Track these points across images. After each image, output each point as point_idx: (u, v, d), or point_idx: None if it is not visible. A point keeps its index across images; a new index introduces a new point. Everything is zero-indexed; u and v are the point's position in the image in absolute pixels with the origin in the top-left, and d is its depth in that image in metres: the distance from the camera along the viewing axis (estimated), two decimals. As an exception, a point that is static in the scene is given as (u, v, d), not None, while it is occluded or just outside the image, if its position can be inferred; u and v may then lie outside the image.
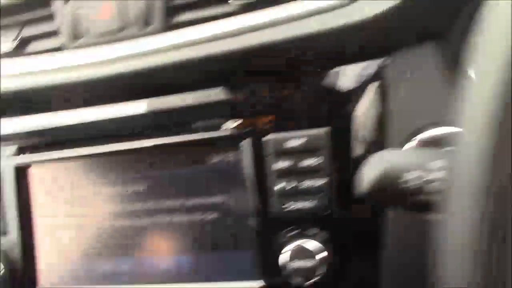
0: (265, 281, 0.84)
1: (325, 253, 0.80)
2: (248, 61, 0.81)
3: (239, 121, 0.85)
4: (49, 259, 0.98)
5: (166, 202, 0.90)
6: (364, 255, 0.81)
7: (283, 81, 0.85)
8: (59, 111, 0.97)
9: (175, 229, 0.90)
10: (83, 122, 0.95)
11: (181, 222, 0.89)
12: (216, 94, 0.87)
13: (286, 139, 0.81)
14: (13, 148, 0.99)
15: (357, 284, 0.83)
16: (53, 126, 0.97)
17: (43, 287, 0.99)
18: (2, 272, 0.96)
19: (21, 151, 0.99)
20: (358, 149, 0.81)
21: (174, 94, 0.90)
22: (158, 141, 0.90)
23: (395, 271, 0.80)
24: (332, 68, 0.83)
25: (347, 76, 0.82)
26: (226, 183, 0.87)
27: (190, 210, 0.89)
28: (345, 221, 0.81)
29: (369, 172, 0.65)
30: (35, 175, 0.99)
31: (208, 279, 0.88)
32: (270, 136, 0.82)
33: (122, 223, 0.93)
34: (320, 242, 0.80)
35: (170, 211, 0.90)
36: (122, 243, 0.93)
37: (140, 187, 0.92)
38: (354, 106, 0.81)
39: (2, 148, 1.00)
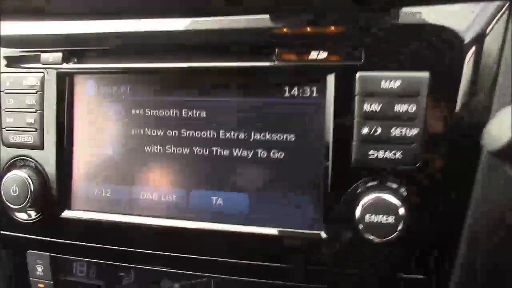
0: (327, 233, 0.76)
1: (403, 210, 0.70)
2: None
3: (326, 53, 0.74)
4: (85, 181, 0.88)
5: (227, 133, 0.80)
6: (447, 218, 0.72)
7: (384, 14, 0.73)
8: (113, 19, 0.85)
9: (234, 164, 0.81)
10: (139, 31, 0.84)
11: (242, 157, 0.80)
12: (304, 20, 0.76)
13: (382, 79, 0.71)
14: (58, 54, 0.86)
15: (431, 249, 0.74)
16: (106, 32, 0.85)
17: (76, 209, 0.88)
18: (33, 188, 0.86)
19: (66, 58, 0.86)
20: (460, 100, 0.71)
21: (253, 14, 0.78)
22: (227, 63, 0.79)
23: (479, 242, 0.71)
24: (442, 4, 0.71)
25: (458, 16, 0.71)
26: (302, 119, 0.77)
27: (254, 145, 0.79)
28: (432, 178, 0.72)
29: (504, 128, 0.56)
30: (79, 85, 0.88)
31: (264, 223, 0.80)
32: (364, 73, 0.72)
33: (171, 151, 0.83)
34: (401, 197, 0.71)
35: (231, 143, 0.81)
36: (169, 172, 0.84)
37: (199, 113, 0.82)
38: (462, 52, 0.70)
39: (45, 54, 0.88)
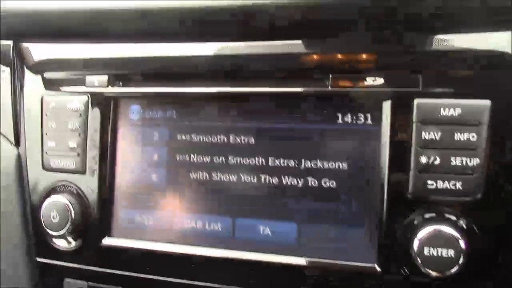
0: (381, 266, 0.72)
1: (464, 243, 0.66)
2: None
3: (382, 79, 0.72)
4: (127, 207, 0.86)
5: (276, 161, 0.78)
6: (509, 251, 0.69)
7: (442, 40, 0.71)
8: (160, 42, 0.84)
9: (282, 193, 0.78)
10: (187, 55, 0.83)
11: (291, 185, 0.77)
12: (359, 46, 0.74)
13: (441, 106, 0.69)
14: (103, 78, 0.85)
15: (494, 284, 0.70)
16: (152, 56, 0.84)
17: (116, 237, 0.85)
18: (74, 215, 0.84)
19: (111, 81, 0.85)
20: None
21: (300, 38, 0.76)
22: (278, 89, 0.78)
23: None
24: (503, 31, 0.69)
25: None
26: (355, 147, 0.75)
27: (305, 173, 0.77)
28: (494, 210, 0.68)
29: None
30: (123, 109, 0.86)
31: (313, 254, 0.76)
32: (422, 100, 0.70)
33: (218, 178, 0.81)
34: (461, 230, 0.67)
35: (280, 171, 0.78)
36: (215, 200, 0.81)
37: (247, 139, 0.80)
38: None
39: (90, 77, 0.86)
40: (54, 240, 0.89)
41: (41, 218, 0.86)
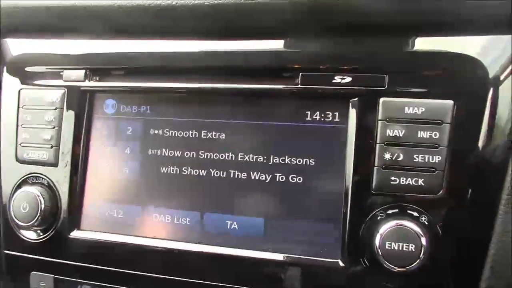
0: (344, 261, 0.73)
1: (425, 239, 0.68)
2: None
3: (350, 78, 0.74)
4: (98, 200, 0.86)
5: (245, 156, 0.79)
6: (469, 248, 0.70)
7: (409, 41, 0.74)
8: (135, 39, 0.86)
9: (251, 188, 0.79)
10: (162, 52, 0.86)
11: (259, 181, 0.78)
12: (328, 45, 0.77)
13: (405, 105, 0.71)
14: (80, 72, 0.87)
15: (454, 279, 0.71)
16: (128, 52, 0.86)
17: (85, 230, 0.86)
18: (44, 206, 0.84)
19: (88, 76, 0.87)
20: (484, 130, 0.71)
21: (277, 38, 0.79)
22: (249, 86, 0.80)
23: (502, 274, 0.69)
24: (469, 35, 0.72)
25: (485, 48, 0.72)
26: (322, 144, 0.76)
27: (273, 169, 0.78)
28: (455, 206, 0.70)
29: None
30: (99, 103, 0.88)
31: (279, 249, 0.78)
32: (388, 99, 0.72)
33: (188, 172, 0.82)
34: (422, 225, 0.69)
35: (249, 166, 0.79)
36: (184, 194, 0.83)
37: (218, 135, 0.81)
38: (487, 83, 0.71)
39: (67, 71, 0.88)
40: (23, 231, 0.89)
41: (11, 208, 0.86)
